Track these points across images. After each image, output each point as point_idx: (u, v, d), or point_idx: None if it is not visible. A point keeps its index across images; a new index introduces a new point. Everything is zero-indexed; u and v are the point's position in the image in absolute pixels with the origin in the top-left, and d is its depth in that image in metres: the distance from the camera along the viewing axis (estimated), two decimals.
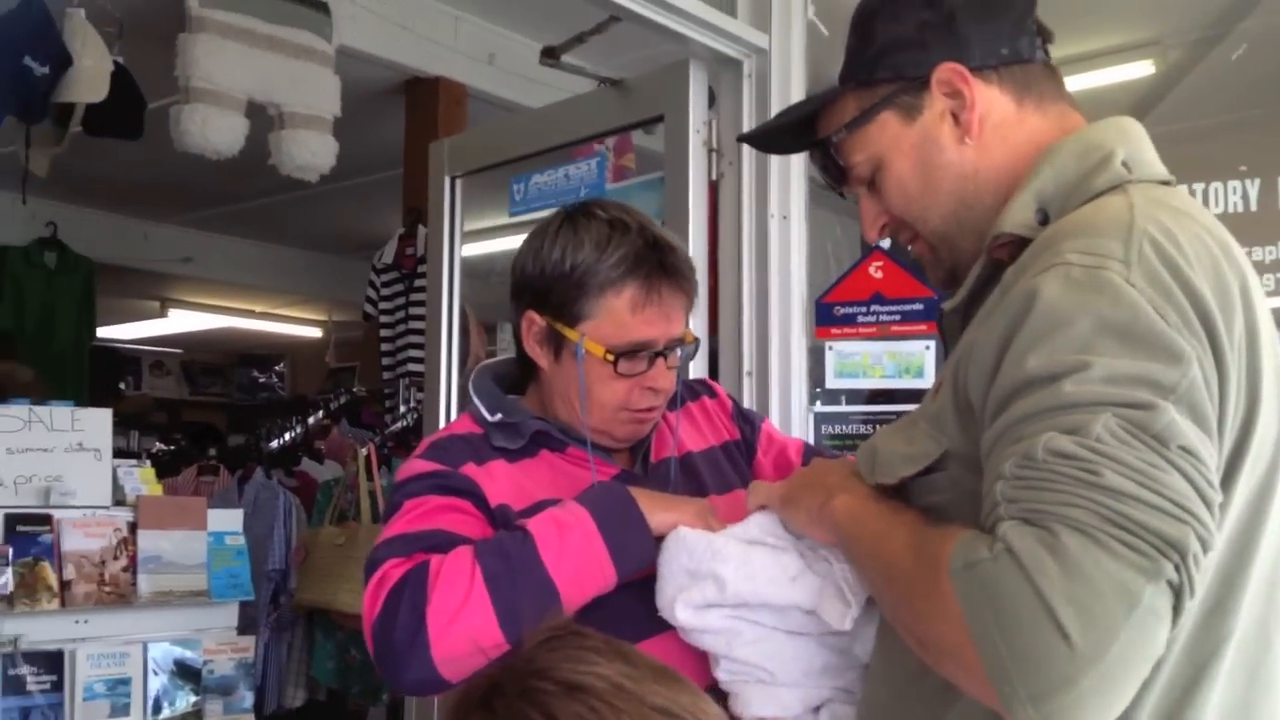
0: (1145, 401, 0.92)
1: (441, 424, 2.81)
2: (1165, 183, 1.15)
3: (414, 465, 1.48)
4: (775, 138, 1.43)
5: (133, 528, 3.13)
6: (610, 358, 1.44)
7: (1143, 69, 2.96)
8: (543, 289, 1.48)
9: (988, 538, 0.93)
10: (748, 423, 1.70)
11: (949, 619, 0.93)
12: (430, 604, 1.27)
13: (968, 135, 1.18)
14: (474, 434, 1.51)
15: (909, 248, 1.29)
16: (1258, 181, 2.09)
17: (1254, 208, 2.08)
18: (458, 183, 2.81)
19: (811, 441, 2.27)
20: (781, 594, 1.28)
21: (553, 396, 1.53)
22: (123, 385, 9.07)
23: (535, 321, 1.49)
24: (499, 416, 1.51)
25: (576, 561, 1.32)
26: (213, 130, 3.90)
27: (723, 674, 1.35)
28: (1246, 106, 2.30)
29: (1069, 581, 0.86)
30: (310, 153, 4.09)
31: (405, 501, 1.43)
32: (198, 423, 9.23)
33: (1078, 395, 0.93)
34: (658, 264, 1.45)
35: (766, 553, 1.29)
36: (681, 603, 1.32)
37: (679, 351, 1.51)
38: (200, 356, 9.84)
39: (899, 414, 2.31)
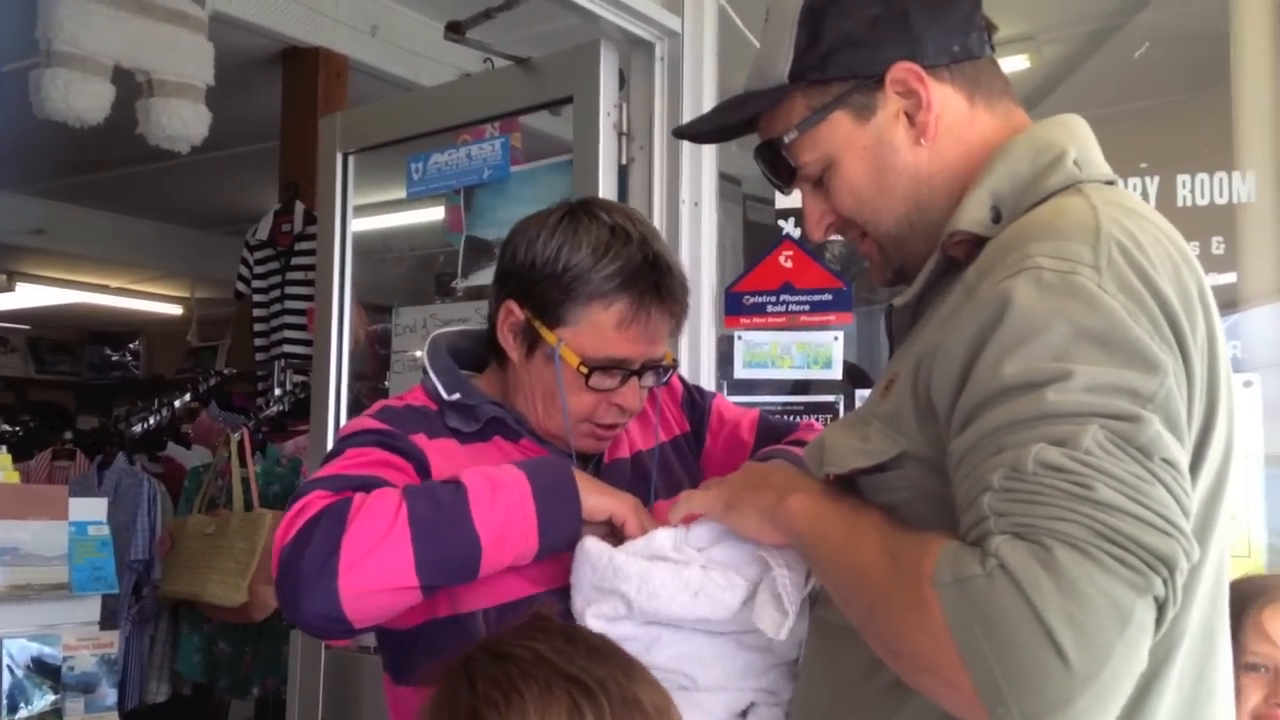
0: (1130, 413, 0.91)
1: (331, 407, 2.70)
2: (1110, 182, 1.15)
3: (363, 421, 1.42)
4: (713, 132, 1.38)
5: None
6: (584, 370, 1.40)
7: (1018, 64, 3.01)
8: (529, 282, 1.42)
9: (977, 552, 0.90)
10: (697, 408, 1.65)
11: (932, 633, 0.90)
12: (347, 534, 1.21)
13: (923, 137, 1.16)
14: (428, 409, 1.46)
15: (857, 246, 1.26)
16: (1157, 178, 2.14)
17: (1153, 204, 2.13)
18: (350, 159, 2.70)
19: None
20: (685, 610, 1.24)
21: (516, 390, 1.48)
22: None
23: (514, 313, 1.44)
24: (456, 397, 1.45)
25: (504, 521, 1.26)
26: (76, 96, 3.69)
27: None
28: (1145, 101, 2.35)
29: (1065, 599, 0.84)
30: (181, 122, 3.90)
31: (347, 449, 1.37)
32: (45, 402, 8.80)
33: (1062, 405, 0.91)
34: (652, 284, 1.40)
35: (668, 569, 1.24)
36: (592, 614, 1.28)
37: (656, 371, 1.48)
38: (49, 333, 9.37)
39: (812, 405, 2.32)
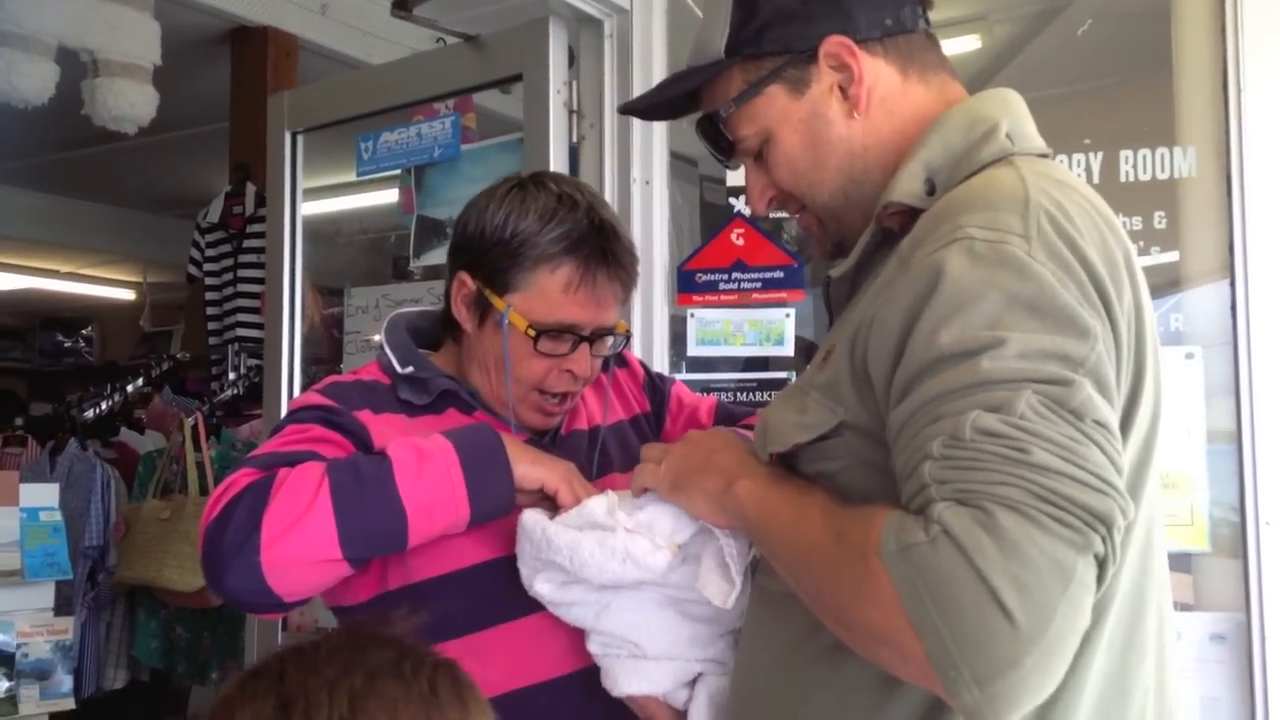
0: (1061, 377, 0.93)
1: (284, 391, 2.68)
2: (1044, 155, 1.17)
3: (310, 397, 1.44)
4: (656, 108, 1.39)
5: None
6: (531, 333, 1.41)
7: (969, 43, 3.03)
8: (479, 252, 1.44)
9: (920, 519, 0.91)
10: (658, 391, 1.68)
11: (881, 603, 0.91)
12: (269, 509, 1.23)
13: (856, 110, 1.18)
14: (379, 383, 1.47)
15: (796, 219, 1.28)
16: (1100, 154, 2.16)
17: (1096, 179, 2.16)
18: (299, 138, 2.67)
19: None
20: (616, 577, 1.26)
21: (470, 361, 1.50)
22: None
23: (466, 284, 1.46)
24: (409, 370, 1.47)
25: (431, 492, 1.28)
26: (19, 77, 3.62)
27: (594, 646, 1.34)
28: (1089, 79, 2.37)
29: (1008, 560, 0.86)
30: (128, 103, 3.84)
31: (289, 425, 1.39)
32: None
33: (996, 372, 0.92)
34: (599, 248, 1.42)
35: (595, 538, 1.25)
36: (540, 581, 1.31)
37: (607, 341, 1.49)
38: None
39: (766, 381, 2.34)
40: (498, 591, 1.36)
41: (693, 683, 1.33)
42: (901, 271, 1.04)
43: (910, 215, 1.12)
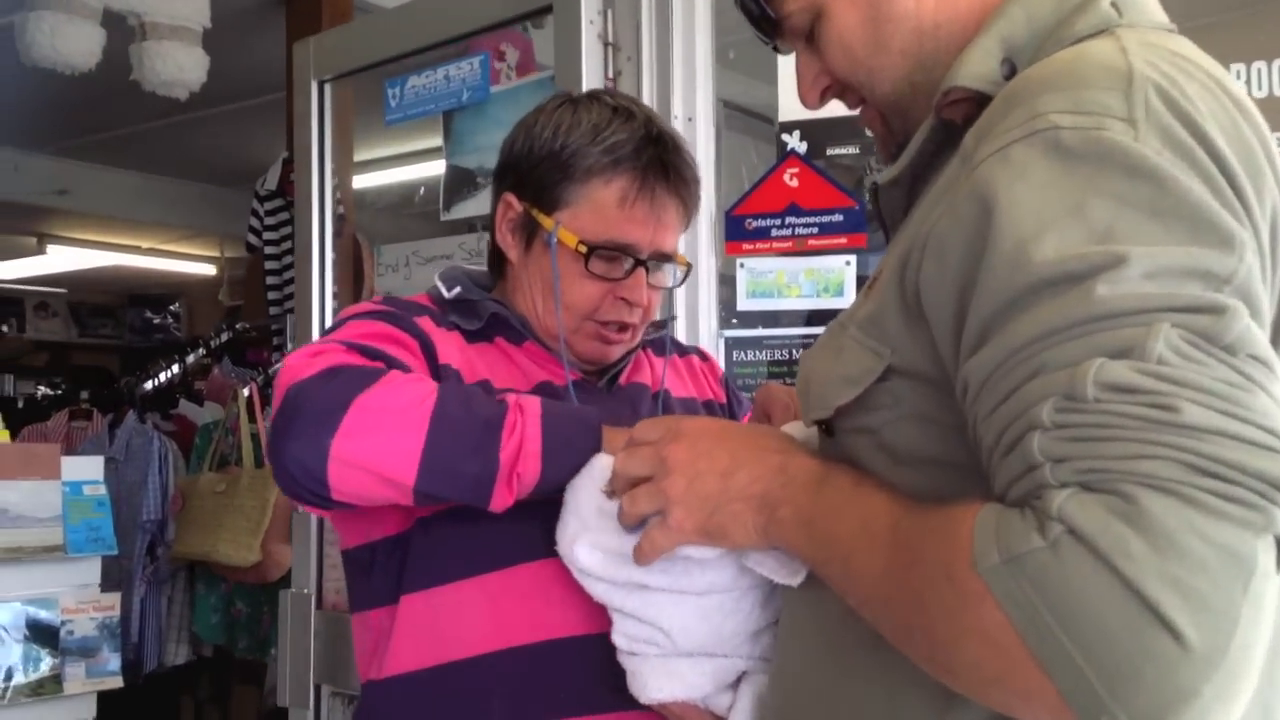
0: (1208, 302, 0.69)
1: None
2: (1164, 29, 0.91)
3: (364, 305, 1.32)
4: None
5: None
6: (583, 249, 1.27)
7: None
8: (527, 169, 1.33)
9: (1029, 515, 0.68)
10: (733, 395, 1.55)
11: (986, 634, 0.69)
12: (363, 398, 1.09)
13: None
14: (431, 307, 1.35)
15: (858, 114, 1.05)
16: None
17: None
18: (327, 87, 2.51)
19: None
20: (663, 582, 1.06)
21: (517, 292, 1.37)
22: (5, 328, 8.60)
23: (512, 206, 1.34)
24: (457, 291, 1.35)
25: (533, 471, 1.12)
26: (63, 40, 3.54)
27: (620, 638, 1.12)
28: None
29: (1164, 560, 0.63)
30: (176, 66, 3.74)
31: (349, 321, 1.26)
32: (87, 366, 8.79)
33: (1117, 300, 0.69)
34: (657, 159, 1.29)
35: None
36: (585, 543, 1.08)
37: (666, 271, 1.35)
38: (89, 296, 9.34)
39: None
40: (531, 529, 1.19)
41: (736, 683, 1.11)
42: (964, 174, 0.81)
43: (979, 105, 0.88)
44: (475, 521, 1.16)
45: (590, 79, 2.07)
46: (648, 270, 1.32)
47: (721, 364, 2.08)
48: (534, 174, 1.32)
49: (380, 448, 1.09)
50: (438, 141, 2.43)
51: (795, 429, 1.07)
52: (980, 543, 0.69)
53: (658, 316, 1.41)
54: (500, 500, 1.12)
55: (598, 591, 1.11)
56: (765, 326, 2.10)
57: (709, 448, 0.97)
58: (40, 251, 7.62)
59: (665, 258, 1.34)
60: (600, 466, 1.10)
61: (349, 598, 1.35)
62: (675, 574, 1.05)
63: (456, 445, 1.10)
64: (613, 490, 1.06)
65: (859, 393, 0.87)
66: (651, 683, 1.09)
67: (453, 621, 1.21)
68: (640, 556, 1.01)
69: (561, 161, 1.30)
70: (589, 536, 1.08)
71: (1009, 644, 0.67)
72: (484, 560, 1.21)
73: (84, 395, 4.44)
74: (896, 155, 1.02)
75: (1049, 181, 0.74)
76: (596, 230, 1.29)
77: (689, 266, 1.41)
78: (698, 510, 0.96)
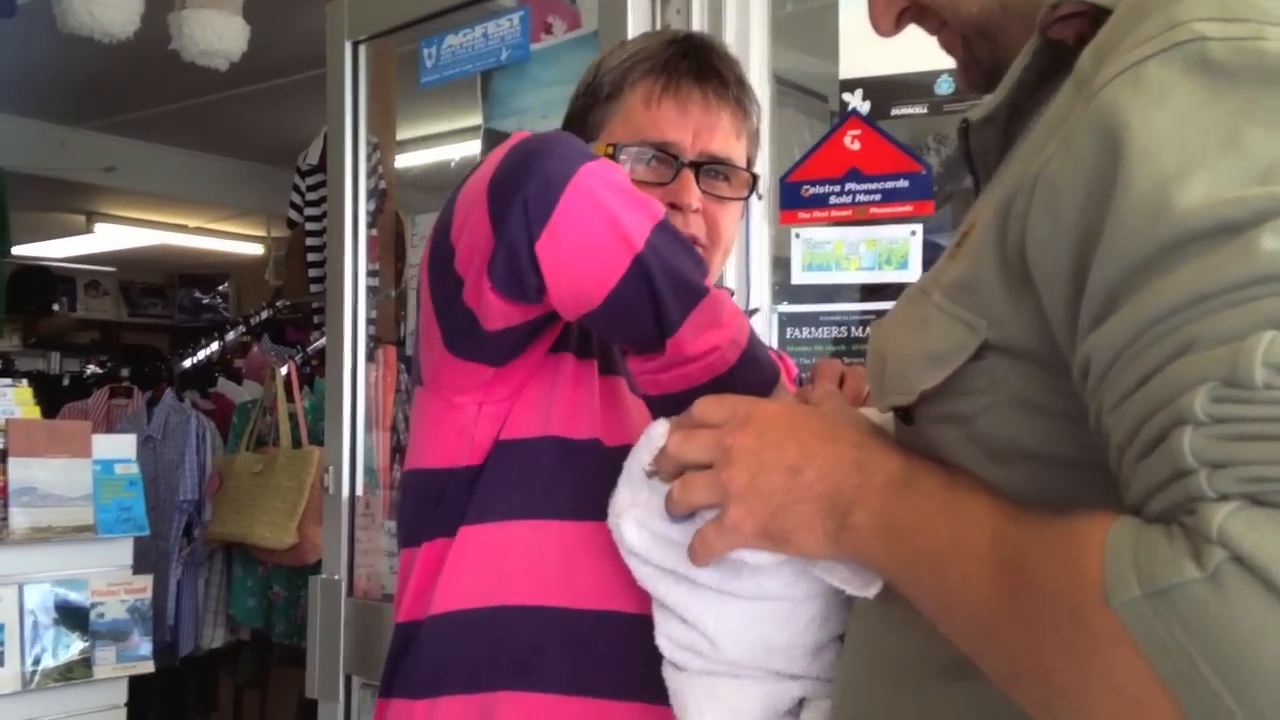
0: None
1: (347, 344, 2.42)
2: None
3: None
4: None
5: (4, 455, 2.74)
6: (609, 151, 1.17)
7: None
8: (576, 109, 1.27)
9: (1179, 536, 0.54)
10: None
11: (1122, 687, 0.54)
12: (608, 178, 0.97)
13: None
14: None
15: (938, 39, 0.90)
16: None
17: None
18: (361, 49, 2.39)
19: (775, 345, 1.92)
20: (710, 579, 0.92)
21: None
22: (56, 306, 8.63)
23: None
24: None
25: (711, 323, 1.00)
26: (100, 8, 3.45)
27: (663, 641, 0.98)
28: None
29: None
30: (216, 35, 3.65)
31: None
32: (138, 346, 8.81)
33: None
34: (680, 54, 1.21)
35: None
36: (631, 519, 0.94)
37: (721, 177, 1.22)
38: (139, 276, 9.36)
39: (883, 313, 1.96)
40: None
41: (796, 710, 0.96)
42: (1082, 102, 0.65)
43: (1094, 22, 0.72)
44: (565, 461, 1.09)
45: (637, 34, 1.92)
46: (698, 176, 1.20)
47: (774, 341, 1.94)
48: (579, 110, 1.26)
49: (621, 203, 0.97)
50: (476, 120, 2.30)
51: (869, 416, 0.93)
52: (1114, 570, 0.55)
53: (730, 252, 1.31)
54: (696, 324, 0.98)
55: (642, 575, 0.97)
56: (822, 301, 1.95)
57: (778, 438, 0.82)
58: (89, 230, 7.61)
59: (718, 161, 1.22)
60: (659, 429, 0.94)
61: (399, 528, 1.23)
62: (724, 571, 0.91)
63: (678, 249, 1.00)
64: (656, 469, 0.92)
65: (948, 374, 0.72)
66: (692, 704, 0.94)
67: (516, 562, 1.10)
68: (694, 558, 0.87)
69: (595, 86, 1.24)
70: (637, 513, 0.94)
71: (1152, 701, 0.53)
72: (564, 504, 1.10)
73: (124, 373, 4.38)
74: (982, 83, 0.88)
75: (1195, 106, 0.59)
76: (627, 137, 1.20)
77: (755, 177, 1.27)
78: (759, 509, 0.81)
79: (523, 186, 0.95)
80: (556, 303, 1.00)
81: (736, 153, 1.24)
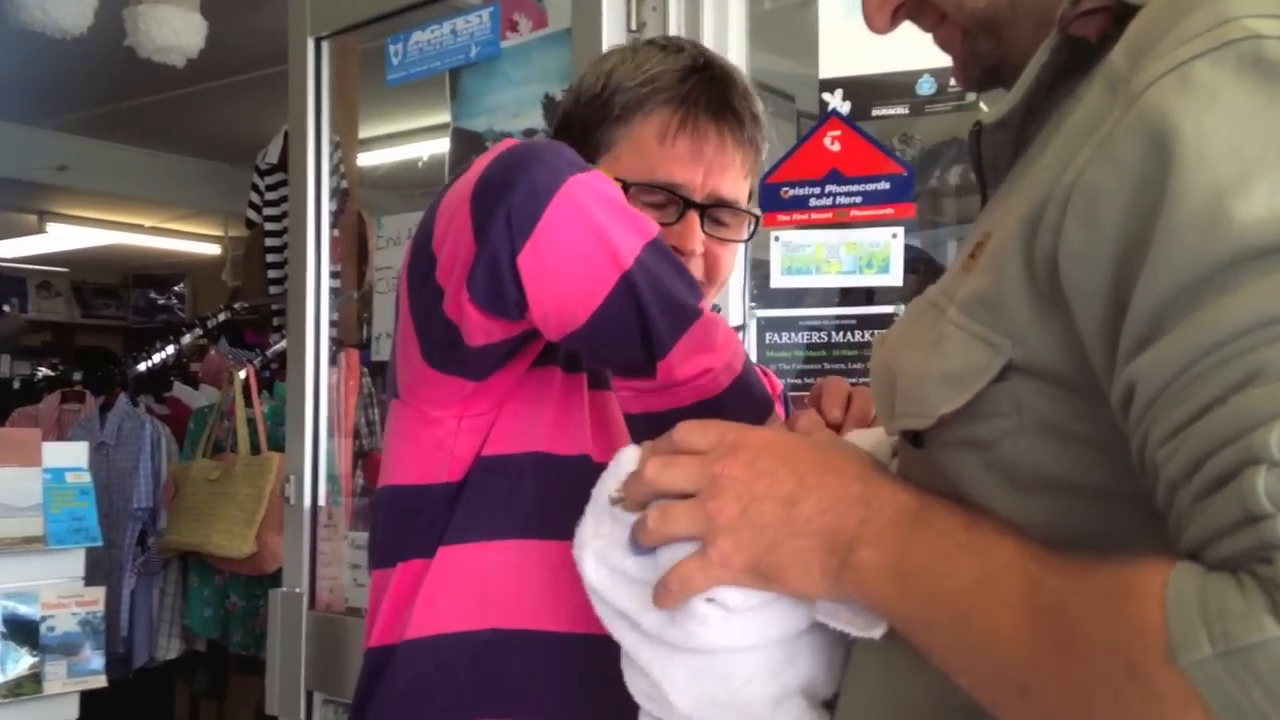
0: None
1: (309, 348, 2.34)
2: None
3: None
4: None
5: None
6: (620, 184, 1.09)
7: None
8: (572, 119, 1.21)
9: (1254, 588, 0.49)
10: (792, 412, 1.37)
11: None
12: (595, 174, 0.95)
13: None
14: None
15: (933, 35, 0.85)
16: None
17: None
18: (324, 45, 2.32)
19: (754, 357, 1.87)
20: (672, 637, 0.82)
21: None
22: (7, 307, 8.45)
23: None
24: None
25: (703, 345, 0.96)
26: (52, 3, 3.36)
27: (631, 688, 0.88)
28: None
29: None
30: (172, 31, 3.56)
31: None
32: (90, 347, 8.65)
33: None
34: (701, 87, 1.15)
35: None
36: (593, 552, 0.84)
37: (727, 219, 1.19)
38: (91, 276, 9.19)
39: (869, 318, 1.92)
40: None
41: None
42: (1120, 105, 0.60)
43: (1118, 17, 0.67)
44: (552, 478, 1.05)
45: (611, 31, 1.88)
46: (703, 218, 1.15)
47: (753, 346, 1.90)
48: (577, 122, 1.20)
49: (611, 217, 0.93)
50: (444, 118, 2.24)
51: (864, 438, 0.87)
52: (1179, 625, 0.50)
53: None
54: (688, 348, 0.94)
55: (601, 614, 0.87)
56: (801, 306, 1.91)
57: (771, 467, 0.75)
58: (41, 230, 7.45)
59: (725, 204, 1.17)
60: (625, 456, 0.86)
61: (372, 548, 1.16)
62: (661, 618, 0.81)
63: (669, 269, 0.96)
64: (622, 496, 0.83)
65: (969, 397, 0.67)
66: None
67: (502, 583, 1.05)
68: (665, 596, 0.77)
69: (601, 101, 1.17)
70: (599, 544, 0.85)
71: None
72: (550, 524, 1.03)
73: (76, 376, 4.26)
74: (980, 80, 0.83)
75: (1252, 110, 0.55)
76: (637, 170, 1.15)
77: (757, 218, 1.23)
78: (750, 544, 0.74)
79: (508, 194, 0.90)
80: (539, 320, 0.94)
81: (743, 193, 1.21)
